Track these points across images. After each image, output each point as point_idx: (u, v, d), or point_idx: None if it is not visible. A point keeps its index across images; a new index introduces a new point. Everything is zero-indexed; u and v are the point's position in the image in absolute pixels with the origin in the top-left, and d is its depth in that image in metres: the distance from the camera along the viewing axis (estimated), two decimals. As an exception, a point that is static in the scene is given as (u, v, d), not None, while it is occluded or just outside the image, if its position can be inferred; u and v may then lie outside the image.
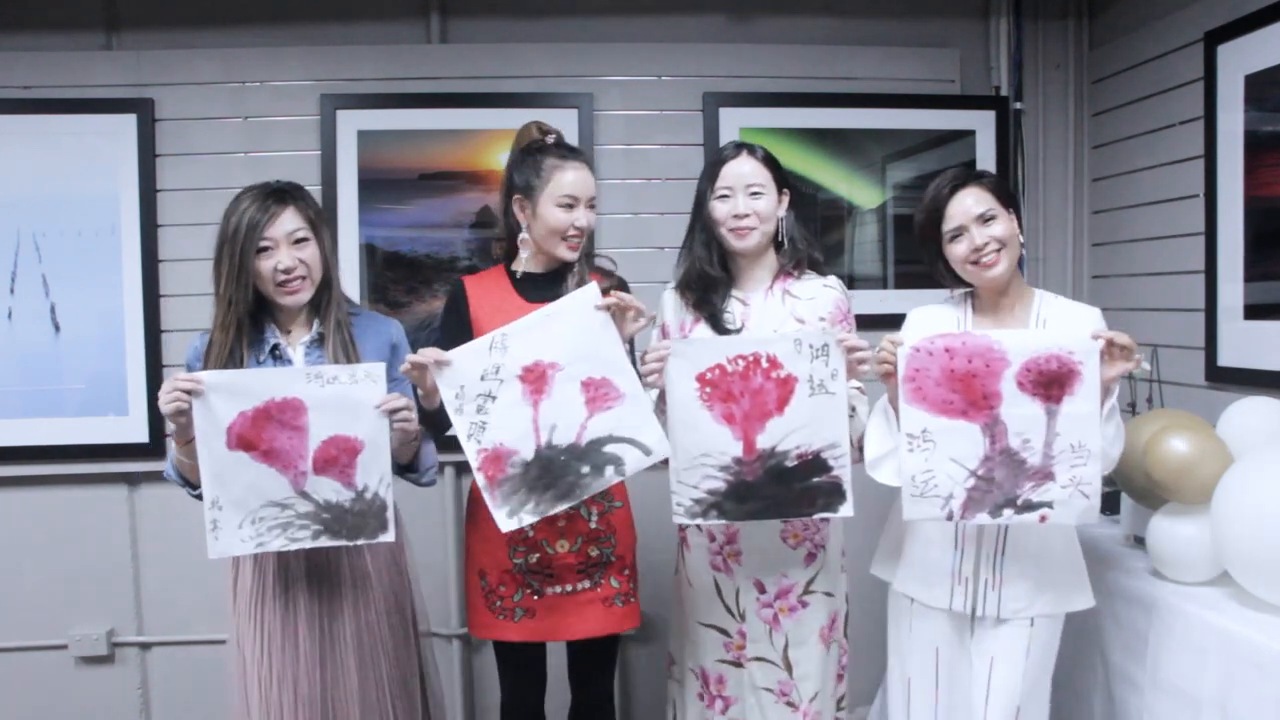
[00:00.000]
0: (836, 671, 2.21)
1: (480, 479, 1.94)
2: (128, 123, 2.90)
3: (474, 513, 2.22)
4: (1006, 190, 2.06)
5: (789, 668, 2.15)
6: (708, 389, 1.95)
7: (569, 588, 2.16)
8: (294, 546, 1.88)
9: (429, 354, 1.91)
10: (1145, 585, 2.15)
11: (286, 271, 1.94)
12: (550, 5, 3.08)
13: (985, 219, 2.00)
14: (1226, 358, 2.57)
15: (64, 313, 2.92)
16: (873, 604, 2.36)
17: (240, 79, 2.96)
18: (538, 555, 2.14)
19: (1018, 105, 3.18)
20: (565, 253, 2.16)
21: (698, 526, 2.19)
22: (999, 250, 2.00)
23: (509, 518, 1.94)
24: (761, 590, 2.16)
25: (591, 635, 2.18)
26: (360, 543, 1.91)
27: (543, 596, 2.15)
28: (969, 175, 2.08)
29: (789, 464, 1.95)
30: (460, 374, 1.92)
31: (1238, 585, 1.97)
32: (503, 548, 2.13)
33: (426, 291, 2.95)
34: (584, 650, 2.26)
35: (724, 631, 2.19)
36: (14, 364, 2.91)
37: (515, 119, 2.93)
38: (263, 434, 1.84)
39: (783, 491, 1.97)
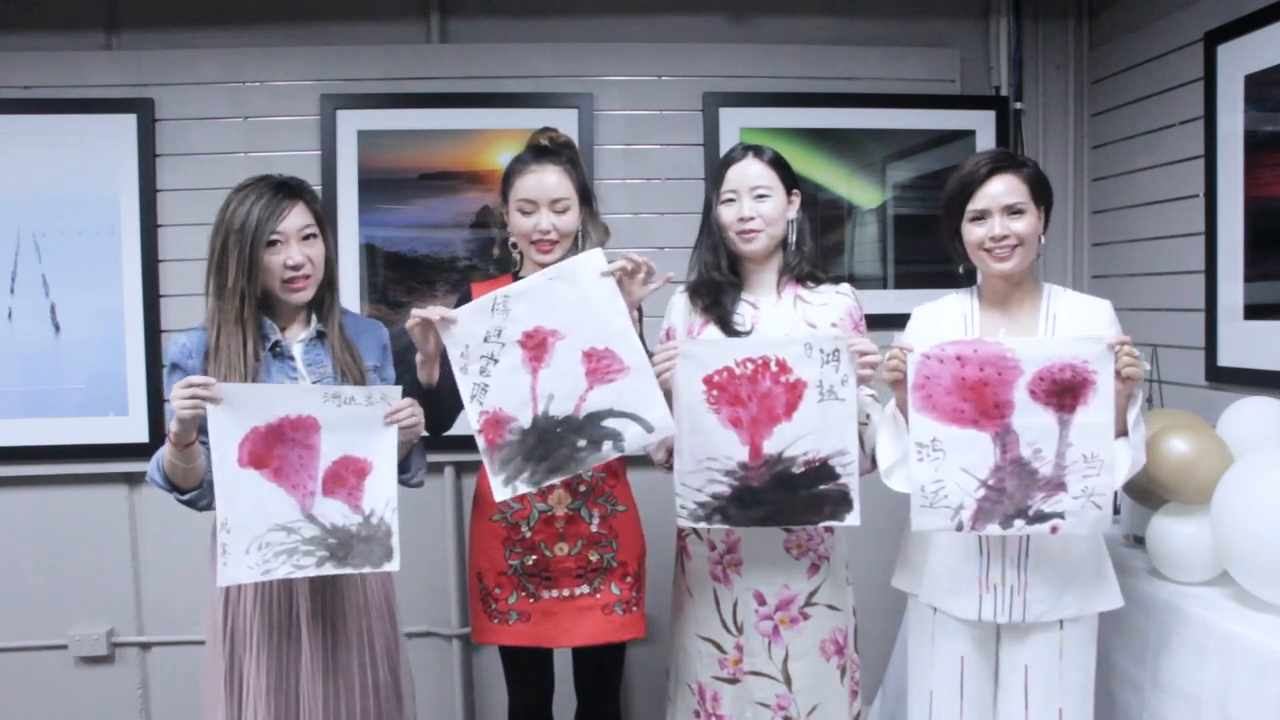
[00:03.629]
0: (850, 688, 2.16)
1: (480, 441, 1.91)
2: (128, 123, 2.90)
3: (475, 513, 2.21)
4: (1043, 185, 1.99)
5: (788, 681, 2.09)
6: (715, 392, 1.94)
7: (566, 592, 2.13)
8: (299, 574, 1.82)
9: (435, 311, 1.89)
10: (1145, 585, 2.15)
11: (295, 268, 1.90)
12: (550, 5, 3.09)
13: (1013, 211, 1.94)
14: (1226, 358, 2.57)
15: (64, 312, 2.92)
16: (872, 608, 2.36)
17: (240, 79, 2.96)
18: (535, 557, 2.12)
19: (1018, 105, 3.18)
20: (536, 255, 2.12)
21: (698, 535, 2.16)
22: (1015, 246, 1.95)
23: (505, 485, 1.91)
24: (762, 602, 2.11)
25: (589, 643, 2.15)
26: (365, 571, 1.86)
27: (539, 600, 2.13)
28: (1012, 160, 1.99)
29: (796, 470, 1.94)
30: (464, 333, 1.89)
31: (1237, 585, 1.98)
32: (499, 549, 2.11)
33: (427, 291, 2.94)
34: (586, 657, 2.23)
35: (720, 647, 2.14)
36: (14, 364, 2.91)
37: (515, 119, 2.96)
38: (274, 451, 1.78)
39: (789, 498, 1.95)
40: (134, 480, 3.01)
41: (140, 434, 2.94)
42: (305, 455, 1.81)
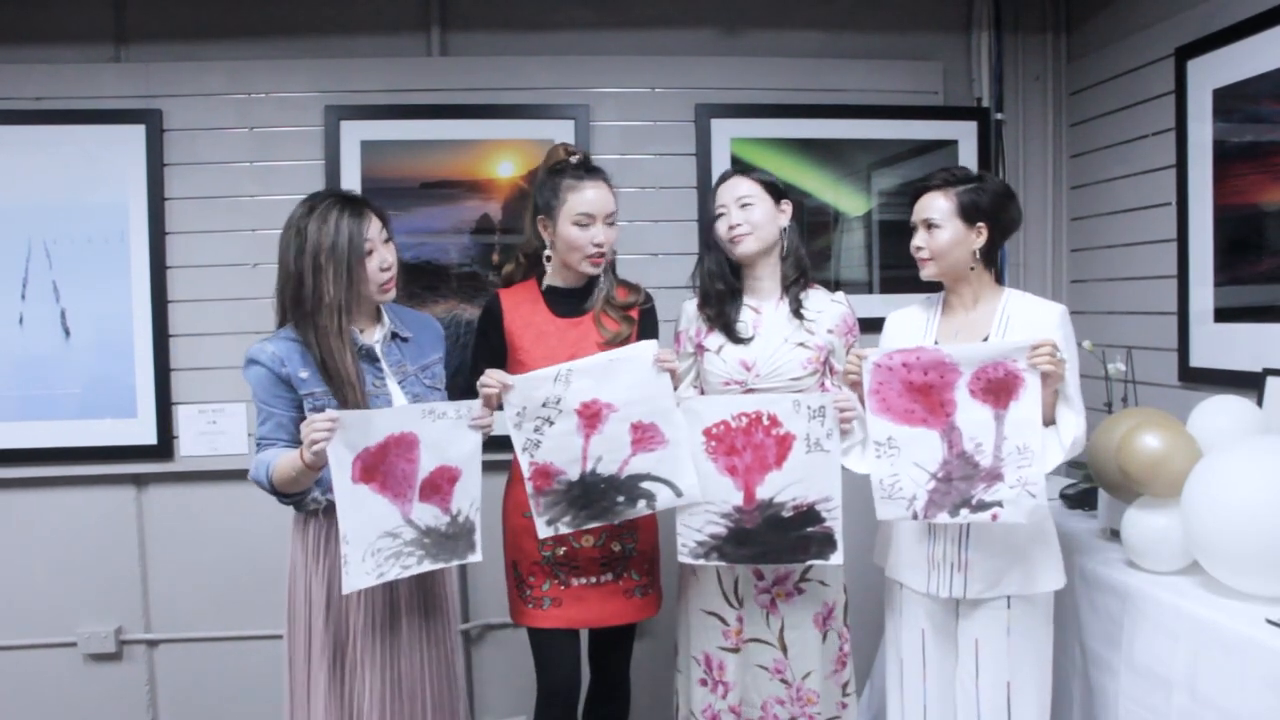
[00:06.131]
0: (837, 658, 2.32)
1: (529, 487, 2.12)
2: (136, 133, 2.97)
3: (507, 510, 2.36)
4: (976, 204, 2.11)
5: (784, 648, 2.28)
6: (713, 442, 2.12)
7: (593, 579, 2.30)
8: (405, 574, 1.98)
9: (495, 377, 2.06)
10: (1120, 575, 2.23)
11: (388, 269, 2.04)
12: (547, 19, 3.17)
13: (929, 225, 2.13)
14: (1198, 358, 2.67)
15: (74, 318, 2.98)
16: (863, 597, 2.44)
17: (246, 91, 3.04)
18: (564, 549, 2.28)
19: (998, 116, 3.28)
20: (588, 268, 2.28)
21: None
22: (928, 258, 2.14)
23: (548, 525, 2.14)
24: (760, 577, 2.29)
25: (615, 623, 2.33)
26: (454, 564, 2.06)
27: (569, 587, 2.29)
28: (947, 179, 2.15)
29: (785, 514, 2.11)
30: (524, 396, 2.08)
31: (1206, 574, 2.06)
32: (532, 541, 2.26)
33: (428, 297, 3.02)
34: (603, 636, 2.40)
35: (723, 620, 2.30)
36: (25, 368, 2.98)
37: (514, 130, 3.05)
38: (381, 466, 1.93)
39: (779, 539, 2.12)
40: (142, 481, 3.08)
41: (148, 436, 3.01)
42: (407, 468, 1.97)
